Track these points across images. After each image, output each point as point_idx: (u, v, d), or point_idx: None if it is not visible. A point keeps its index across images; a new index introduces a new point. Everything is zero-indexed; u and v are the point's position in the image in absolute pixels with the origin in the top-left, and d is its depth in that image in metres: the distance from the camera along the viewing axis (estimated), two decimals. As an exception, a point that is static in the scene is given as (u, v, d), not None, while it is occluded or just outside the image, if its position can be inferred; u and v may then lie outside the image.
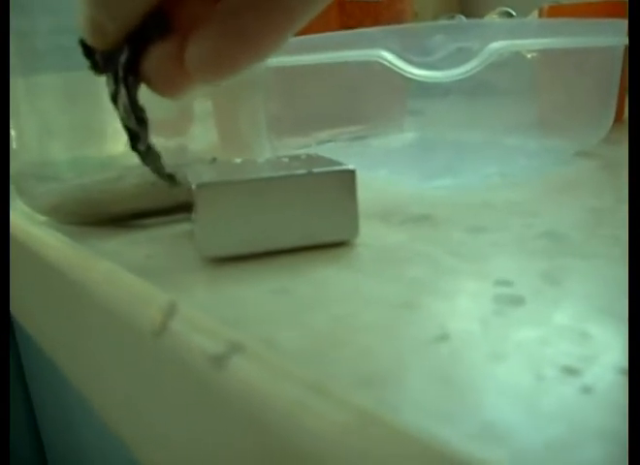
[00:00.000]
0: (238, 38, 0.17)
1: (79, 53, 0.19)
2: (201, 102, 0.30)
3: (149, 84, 0.18)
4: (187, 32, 0.17)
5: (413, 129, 0.37)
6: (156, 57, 0.18)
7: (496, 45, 0.28)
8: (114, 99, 0.19)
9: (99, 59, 0.19)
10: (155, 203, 0.26)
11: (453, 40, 0.28)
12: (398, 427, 0.11)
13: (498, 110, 0.34)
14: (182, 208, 0.25)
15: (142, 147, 0.20)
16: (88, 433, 0.57)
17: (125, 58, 0.18)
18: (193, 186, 0.20)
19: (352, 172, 0.21)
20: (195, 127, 0.30)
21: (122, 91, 0.19)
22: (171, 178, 0.21)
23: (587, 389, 0.12)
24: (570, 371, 0.13)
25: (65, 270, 0.23)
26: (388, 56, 0.28)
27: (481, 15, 0.65)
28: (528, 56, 0.35)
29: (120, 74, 0.18)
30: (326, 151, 0.34)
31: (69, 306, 0.24)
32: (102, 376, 0.23)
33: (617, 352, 0.13)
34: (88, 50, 0.19)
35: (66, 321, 0.25)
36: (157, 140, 0.29)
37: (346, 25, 0.46)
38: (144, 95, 0.19)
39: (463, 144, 0.34)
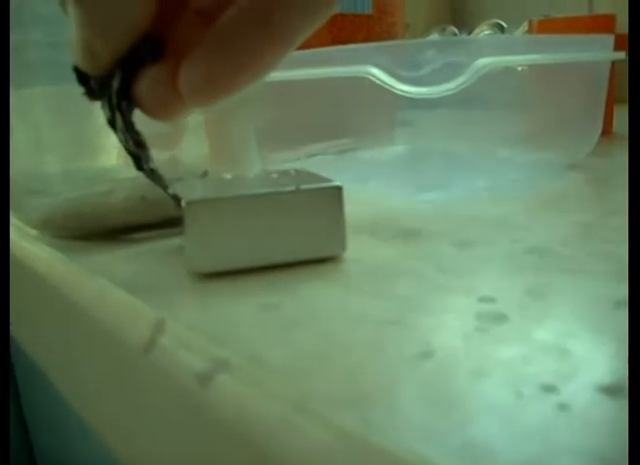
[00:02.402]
0: (230, 61, 0.17)
1: (70, 66, 0.19)
2: (193, 115, 0.30)
3: (143, 109, 0.18)
4: (180, 56, 0.17)
5: (403, 141, 0.38)
6: (149, 82, 0.18)
7: (483, 60, 0.29)
8: (112, 124, 0.19)
9: (93, 85, 0.19)
10: (145, 218, 0.26)
11: (442, 55, 0.29)
12: (381, 447, 0.11)
13: (489, 123, 0.34)
14: (172, 223, 0.25)
15: (146, 168, 0.20)
16: (81, 445, 0.57)
17: (118, 83, 0.18)
18: (183, 203, 0.20)
19: (339, 189, 0.21)
20: (187, 139, 0.30)
21: (118, 116, 0.19)
22: (175, 198, 0.21)
23: (564, 407, 0.12)
24: (549, 389, 0.13)
25: (55, 285, 0.23)
26: (376, 72, 0.28)
27: (472, 27, 0.65)
28: (519, 69, 0.36)
29: (114, 99, 0.18)
30: (316, 164, 0.34)
31: (59, 320, 0.24)
32: (92, 389, 0.23)
33: (596, 369, 0.14)
34: (82, 77, 0.19)
35: (56, 334, 0.26)
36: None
37: (338, 38, 0.46)
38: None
39: (453, 157, 0.34)
